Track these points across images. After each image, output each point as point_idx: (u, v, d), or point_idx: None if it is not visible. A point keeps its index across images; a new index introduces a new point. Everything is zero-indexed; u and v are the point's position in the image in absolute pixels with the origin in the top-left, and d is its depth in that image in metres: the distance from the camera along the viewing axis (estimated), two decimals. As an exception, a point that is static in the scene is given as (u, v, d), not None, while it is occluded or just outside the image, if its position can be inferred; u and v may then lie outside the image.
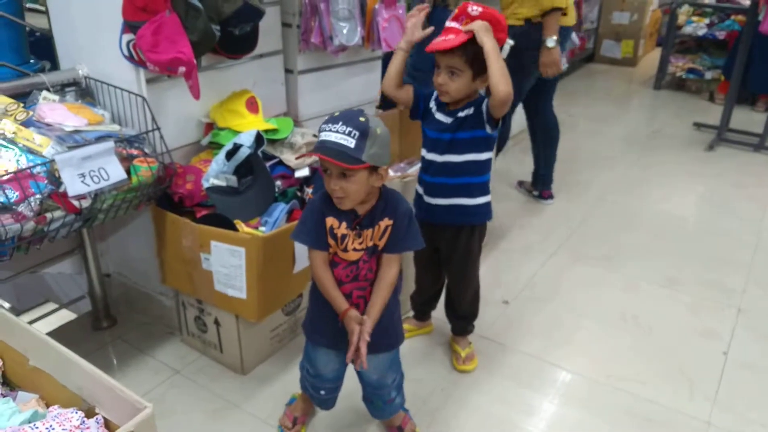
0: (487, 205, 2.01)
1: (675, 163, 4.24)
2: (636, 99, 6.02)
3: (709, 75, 5.86)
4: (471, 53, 1.77)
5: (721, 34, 5.72)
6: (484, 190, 1.98)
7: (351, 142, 1.43)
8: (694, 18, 5.99)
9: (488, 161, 1.94)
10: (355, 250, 1.58)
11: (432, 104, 1.94)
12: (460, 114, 1.87)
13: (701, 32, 5.84)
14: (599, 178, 3.92)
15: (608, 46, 7.16)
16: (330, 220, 1.57)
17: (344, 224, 1.56)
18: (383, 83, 1.99)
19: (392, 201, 1.58)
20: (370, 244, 1.59)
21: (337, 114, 1.49)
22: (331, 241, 1.58)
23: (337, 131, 1.44)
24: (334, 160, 1.42)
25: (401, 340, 1.76)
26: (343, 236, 1.57)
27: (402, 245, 1.61)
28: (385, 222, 1.57)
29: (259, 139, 2.05)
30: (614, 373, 2.19)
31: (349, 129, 1.43)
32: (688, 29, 5.91)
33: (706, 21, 5.92)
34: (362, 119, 1.45)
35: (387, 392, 1.76)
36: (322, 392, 1.79)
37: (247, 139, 2.02)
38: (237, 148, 2.00)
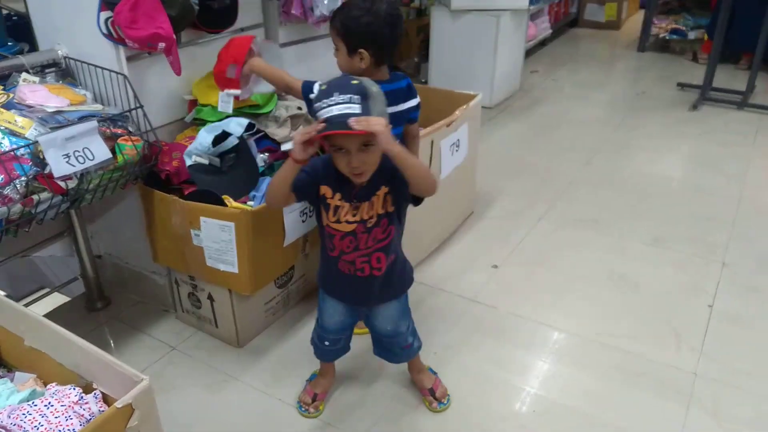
0: None
1: (659, 124, 4.26)
2: (620, 62, 6.01)
3: (692, 35, 5.86)
4: None
5: (703, -6, 5.72)
6: None
7: (357, 108, 1.32)
8: (677, -22, 5.99)
9: None
10: (347, 222, 1.52)
11: None
12: None
13: (684, -8, 5.83)
14: (585, 141, 3.94)
15: (592, 10, 7.12)
16: (324, 189, 1.52)
17: (338, 195, 1.51)
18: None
19: (383, 166, 1.47)
20: (366, 216, 1.51)
21: (324, 86, 1.39)
22: (323, 211, 1.55)
23: (337, 103, 1.32)
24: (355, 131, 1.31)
25: (409, 285, 1.74)
26: (336, 207, 1.52)
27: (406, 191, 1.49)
28: (383, 190, 1.49)
29: (249, 128, 2.03)
30: (604, 330, 2.24)
31: (348, 96, 1.33)
32: (670, -11, 5.91)
33: (689, -20, 5.92)
34: (354, 82, 1.35)
35: (403, 339, 1.79)
36: (326, 343, 1.83)
37: (236, 130, 1.99)
38: (226, 135, 1.99)
